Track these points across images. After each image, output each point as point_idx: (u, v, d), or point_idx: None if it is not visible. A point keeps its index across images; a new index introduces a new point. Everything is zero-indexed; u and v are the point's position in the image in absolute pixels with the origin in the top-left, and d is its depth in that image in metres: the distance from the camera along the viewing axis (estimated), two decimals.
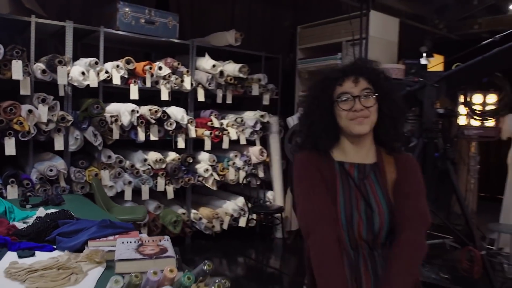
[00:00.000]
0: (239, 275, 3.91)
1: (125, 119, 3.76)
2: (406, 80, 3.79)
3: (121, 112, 3.79)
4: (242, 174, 4.64)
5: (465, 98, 4.27)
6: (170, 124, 4.06)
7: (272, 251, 4.65)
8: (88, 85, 3.60)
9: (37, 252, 1.58)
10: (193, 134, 4.27)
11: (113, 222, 1.76)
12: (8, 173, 3.25)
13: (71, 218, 1.90)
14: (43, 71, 3.42)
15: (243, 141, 4.63)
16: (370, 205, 1.37)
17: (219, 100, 4.50)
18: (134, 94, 3.88)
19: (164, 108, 4.08)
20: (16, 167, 3.57)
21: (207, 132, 4.37)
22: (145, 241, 1.50)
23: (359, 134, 1.38)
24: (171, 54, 4.40)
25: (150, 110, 3.89)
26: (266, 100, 4.90)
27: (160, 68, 3.98)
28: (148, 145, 4.19)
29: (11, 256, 1.53)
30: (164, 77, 4.03)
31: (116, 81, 3.78)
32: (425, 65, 5.13)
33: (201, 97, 4.37)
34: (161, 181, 4.08)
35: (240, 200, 4.68)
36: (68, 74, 3.50)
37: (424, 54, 5.22)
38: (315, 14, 5.28)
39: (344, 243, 1.36)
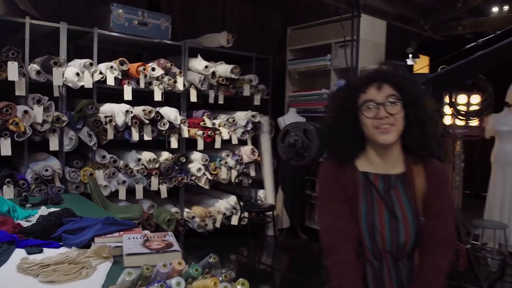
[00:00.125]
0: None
1: (119, 120, 3.81)
2: None
3: (115, 112, 3.84)
4: (234, 173, 4.72)
5: (450, 99, 4.39)
6: (163, 124, 4.12)
7: (264, 248, 4.75)
8: (83, 86, 3.64)
9: (44, 249, 1.63)
10: (186, 134, 4.34)
11: (116, 220, 1.83)
12: (4, 173, 3.27)
13: (74, 216, 1.96)
14: (38, 72, 3.45)
15: (235, 141, 4.71)
16: (395, 217, 1.34)
17: (211, 100, 4.57)
18: (127, 94, 3.93)
19: (158, 109, 4.13)
20: (10, 167, 3.60)
21: (200, 132, 4.43)
22: (150, 237, 1.57)
23: (385, 143, 1.32)
24: (162, 55, 4.46)
25: (144, 110, 3.95)
26: (257, 101, 4.98)
27: (153, 69, 4.03)
28: (141, 145, 4.25)
29: (19, 252, 1.58)
30: (157, 78, 4.09)
31: (110, 82, 3.82)
32: (412, 66, 5.28)
33: (193, 97, 4.44)
34: (154, 181, 4.13)
35: (232, 199, 4.76)
36: (63, 75, 3.53)
37: (410, 55, 5.37)
38: (304, 16, 5.38)
39: (367, 254, 1.36)
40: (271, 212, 4.71)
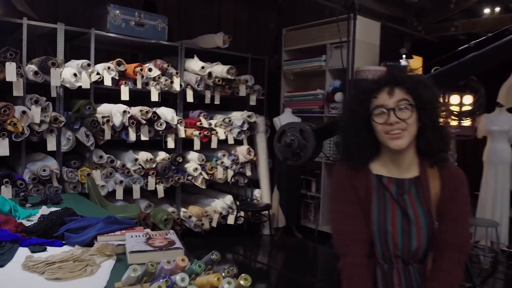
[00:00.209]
0: None
1: (117, 120, 3.83)
2: None
3: (113, 113, 3.86)
4: (230, 173, 4.75)
5: (443, 99, 4.46)
6: (160, 124, 4.15)
7: (260, 247, 4.79)
8: (80, 86, 3.66)
9: (48, 247, 1.66)
10: (182, 134, 4.37)
11: (117, 219, 1.86)
12: (2, 174, 3.29)
13: (75, 216, 1.99)
14: (36, 73, 3.47)
15: (231, 141, 4.74)
16: (408, 221, 1.33)
17: (207, 100, 4.61)
18: (124, 95, 3.95)
19: (154, 109, 4.16)
20: (8, 168, 3.61)
21: (196, 132, 4.47)
22: (152, 235, 1.60)
23: (397, 149, 1.31)
24: (159, 56, 4.49)
25: (141, 110, 3.97)
26: (253, 101, 5.02)
27: (150, 70, 4.06)
28: (138, 145, 4.27)
29: (23, 251, 1.61)
30: (154, 79, 4.11)
31: (107, 82, 3.85)
32: (405, 66, 5.34)
33: (189, 98, 4.47)
34: (151, 180, 4.16)
35: (228, 198, 4.80)
36: (60, 75, 3.55)
37: (404, 56, 5.43)
38: (299, 17, 5.43)
39: (378, 256, 1.36)
40: (267, 212, 4.74)
